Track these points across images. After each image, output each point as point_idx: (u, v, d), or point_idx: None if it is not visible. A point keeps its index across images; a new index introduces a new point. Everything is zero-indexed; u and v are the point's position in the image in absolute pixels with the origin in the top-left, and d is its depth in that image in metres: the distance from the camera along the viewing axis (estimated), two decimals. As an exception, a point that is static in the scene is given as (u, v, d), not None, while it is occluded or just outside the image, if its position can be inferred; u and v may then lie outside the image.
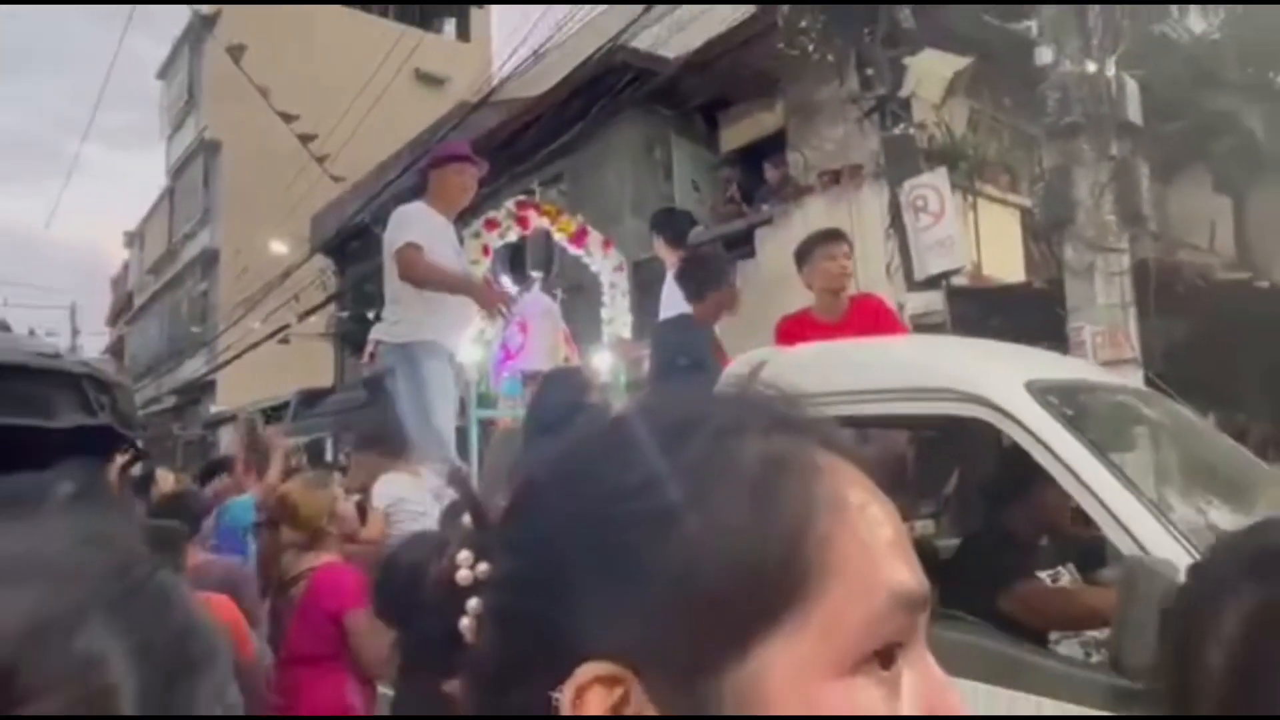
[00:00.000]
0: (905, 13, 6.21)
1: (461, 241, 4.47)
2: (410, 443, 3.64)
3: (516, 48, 9.24)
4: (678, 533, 0.41)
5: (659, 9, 7.52)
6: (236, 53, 7.46)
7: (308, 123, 9.85)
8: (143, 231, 26.63)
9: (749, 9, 7.37)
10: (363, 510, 5.11)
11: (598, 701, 0.40)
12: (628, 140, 9.54)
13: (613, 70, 8.79)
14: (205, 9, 9.86)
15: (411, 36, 16.23)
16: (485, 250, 4.94)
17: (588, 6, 8.35)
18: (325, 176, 10.43)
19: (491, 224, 5.02)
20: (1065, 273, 4.69)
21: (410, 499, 3.47)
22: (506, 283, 5.37)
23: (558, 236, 5.41)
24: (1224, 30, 7.76)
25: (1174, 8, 6.86)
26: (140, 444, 3.36)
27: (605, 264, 5.70)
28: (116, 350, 28.20)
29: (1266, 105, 8.52)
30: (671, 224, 5.14)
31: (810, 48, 6.52)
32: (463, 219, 4.64)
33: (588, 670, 0.40)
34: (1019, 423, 1.98)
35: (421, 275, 3.63)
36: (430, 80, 20.00)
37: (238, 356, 15.89)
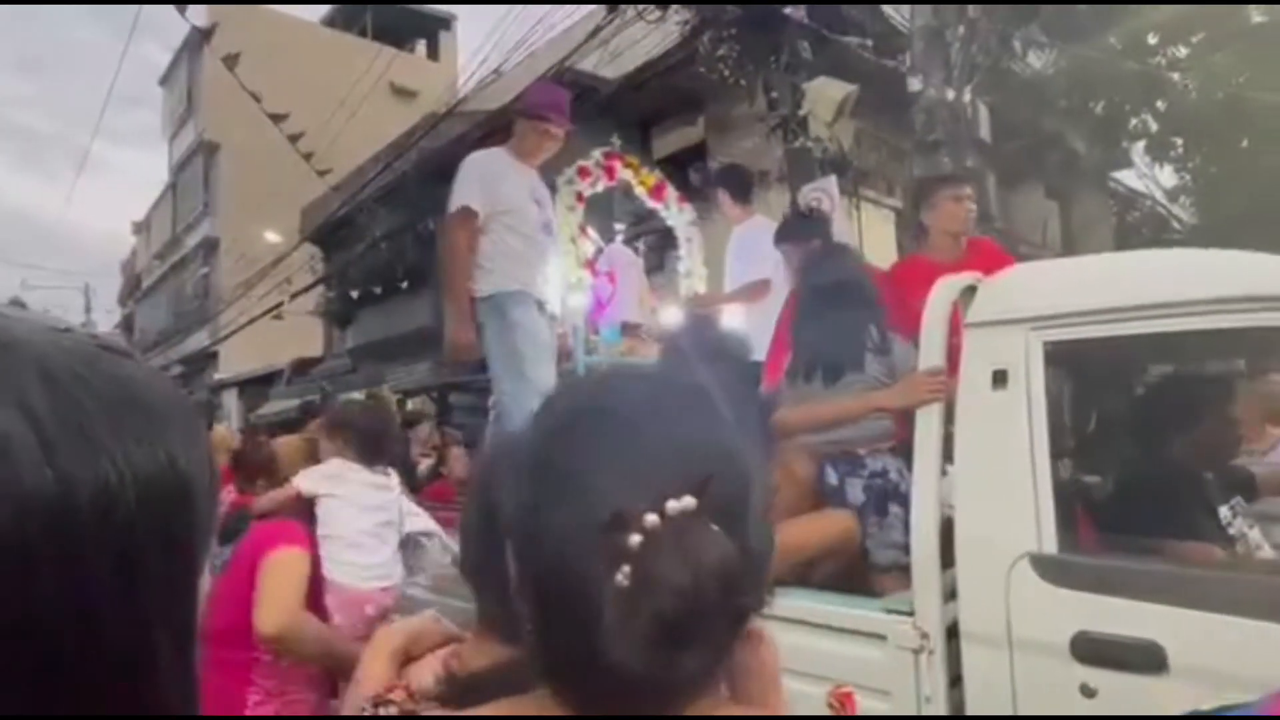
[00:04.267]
0: (804, 45, 6.23)
1: (554, 189, 3.69)
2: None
3: (479, 66, 8.99)
4: None
5: (600, 35, 7.39)
6: (231, 61, 7.06)
7: (295, 125, 9.43)
8: (149, 221, 25.26)
9: (676, 38, 7.30)
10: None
11: None
12: (575, 148, 9.39)
13: (561, 88, 8.62)
14: (202, 24, 9.32)
15: (387, 54, 15.63)
16: (579, 198, 3.99)
17: (540, 31, 8.16)
18: (313, 174, 10.02)
19: (584, 172, 4.12)
20: (928, 262, 4.81)
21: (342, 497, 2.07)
22: (594, 234, 4.52)
23: (638, 190, 4.49)
24: (1056, 66, 8.00)
25: (1018, 46, 7.03)
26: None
27: (680, 219, 4.68)
28: (127, 326, 26.83)
29: (1086, 128, 8.85)
30: (737, 179, 4.30)
31: (726, 73, 6.51)
32: (554, 166, 3.84)
33: None
34: None
35: (447, 253, 2.93)
36: (403, 93, 19.33)
37: (237, 331, 15.31)
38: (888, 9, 6.81)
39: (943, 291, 1.87)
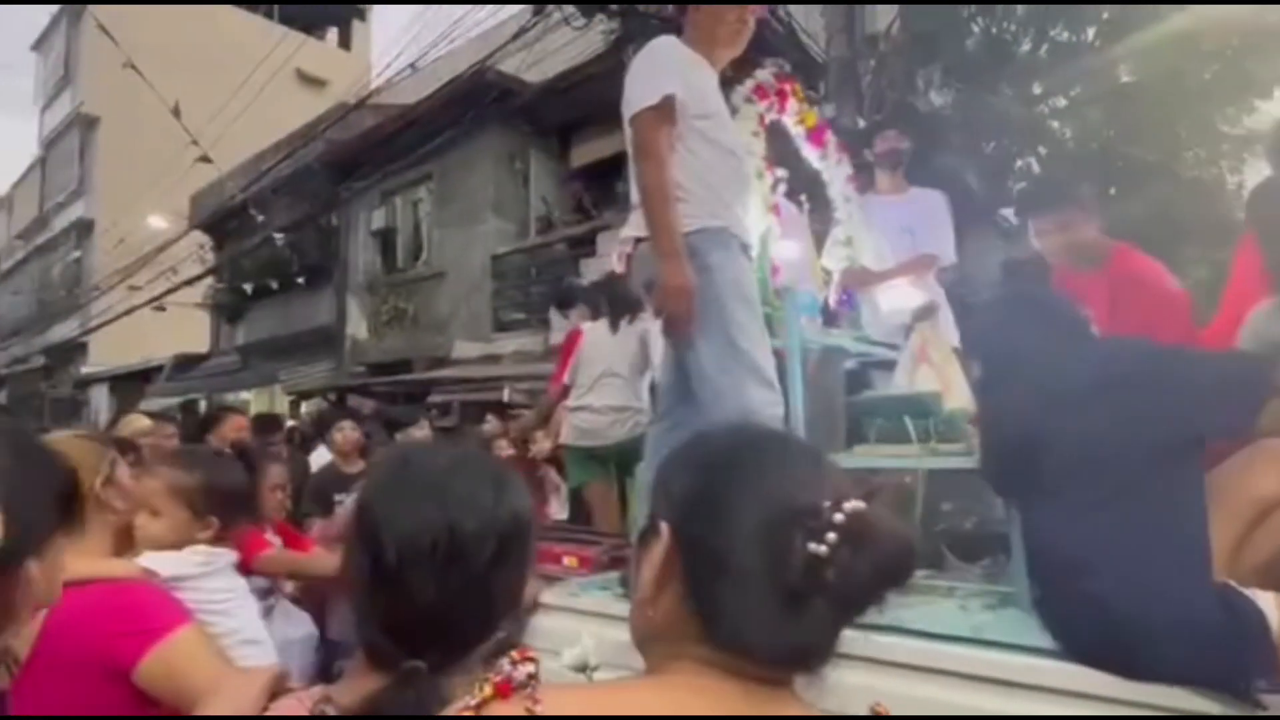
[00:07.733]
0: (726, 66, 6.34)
1: (732, 111, 2.65)
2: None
3: (394, 59, 8.70)
4: None
5: (524, 38, 7.27)
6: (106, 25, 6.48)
7: (188, 104, 8.79)
8: (12, 198, 22.95)
9: (601, 47, 7.27)
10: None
11: None
12: (491, 149, 9.22)
13: (480, 87, 8.45)
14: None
15: (294, 39, 14.88)
16: (761, 121, 2.98)
17: (460, 30, 7.95)
18: (205, 158, 9.35)
19: (762, 92, 3.07)
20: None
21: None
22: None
23: (795, 131, 3.40)
24: (953, 107, 8.51)
25: (921, 84, 7.41)
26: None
27: (838, 173, 3.60)
28: (-19, 310, 24.25)
29: (978, 166, 9.45)
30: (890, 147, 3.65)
31: (648, 86, 6.52)
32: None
33: None
34: None
35: (648, 162, 1.99)
36: (311, 80, 18.47)
37: (112, 321, 14.06)
38: (805, 39, 7.04)
39: None
